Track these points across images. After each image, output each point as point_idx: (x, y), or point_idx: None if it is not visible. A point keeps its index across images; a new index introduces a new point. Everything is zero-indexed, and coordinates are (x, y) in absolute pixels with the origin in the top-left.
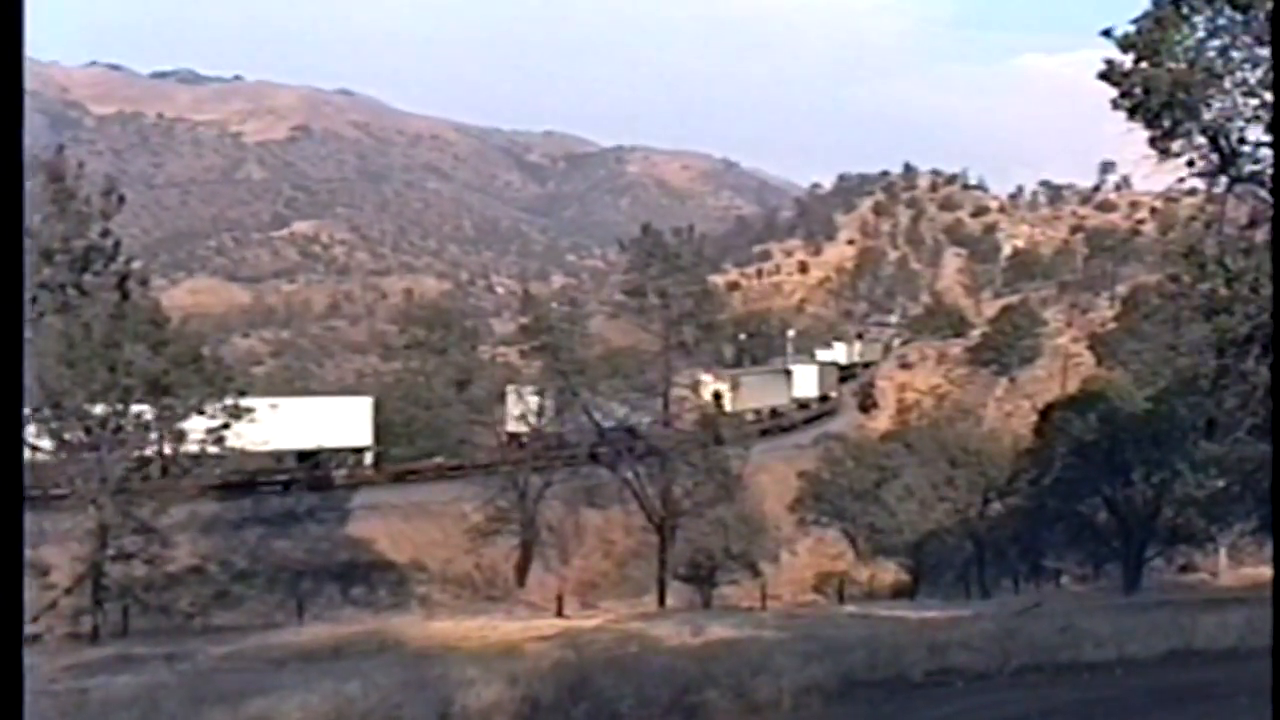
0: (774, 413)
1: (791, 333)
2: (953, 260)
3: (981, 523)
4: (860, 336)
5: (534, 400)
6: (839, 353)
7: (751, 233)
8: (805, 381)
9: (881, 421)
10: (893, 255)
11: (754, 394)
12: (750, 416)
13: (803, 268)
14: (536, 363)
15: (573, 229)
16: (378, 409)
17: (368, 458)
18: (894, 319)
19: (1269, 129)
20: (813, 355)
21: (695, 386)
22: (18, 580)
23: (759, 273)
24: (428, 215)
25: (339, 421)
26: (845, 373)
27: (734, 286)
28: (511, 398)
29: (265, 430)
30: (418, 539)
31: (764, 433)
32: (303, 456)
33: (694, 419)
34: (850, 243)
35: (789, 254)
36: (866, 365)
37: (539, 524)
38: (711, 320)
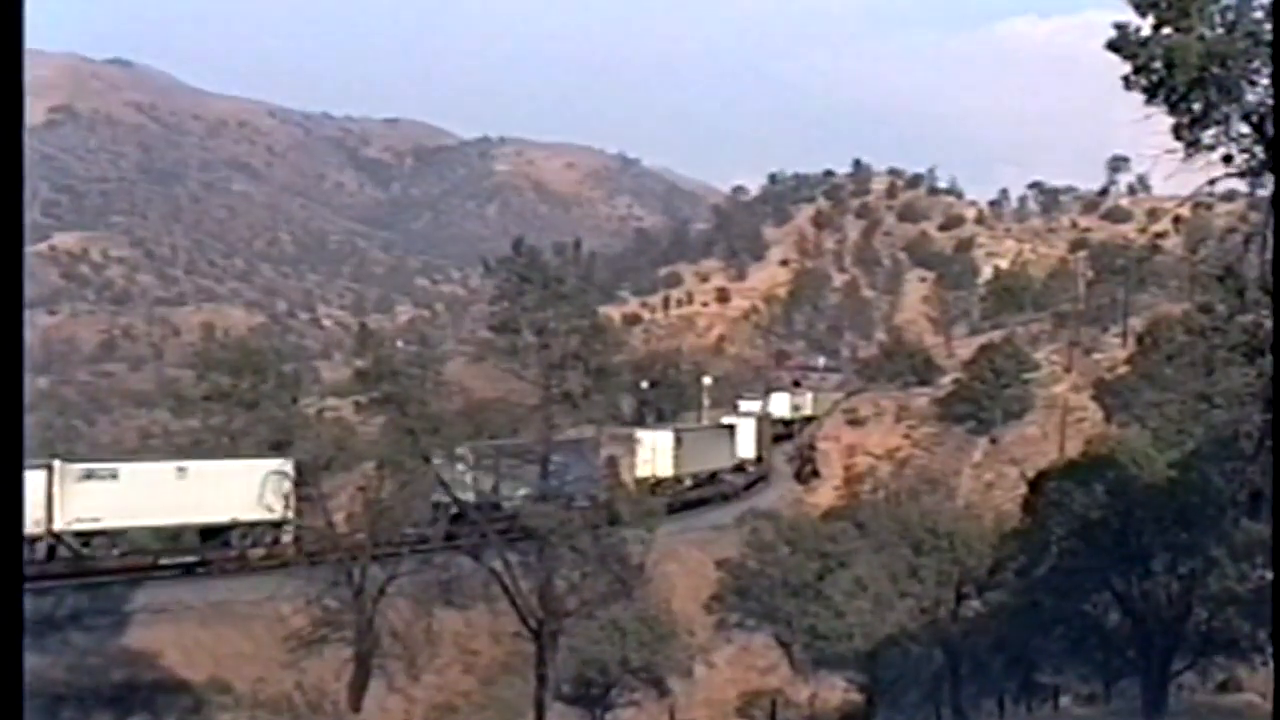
0: (713, 477)
1: (708, 380)
2: (916, 286)
3: (955, 625)
4: (797, 385)
5: (371, 468)
6: (776, 405)
7: (656, 251)
8: (747, 440)
9: (824, 494)
10: (838, 279)
11: (697, 455)
12: (689, 482)
13: (722, 296)
14: (377, 419)
15: (424, 245)
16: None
17: (287, 533)
18: (824, 361)
19: (1274, 125)
20: (735, 409)
21: (631, 444)
22: (18, 580)
23: (665, 303)
24: (233, 227)
25: (250, 490)
26: (778, 431)
27: (633, 320)
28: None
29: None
30: (219, 650)
31: (673, 509)
32: (208, 533)
33: (614, 488)
34: (784, 263)
35: (704, 278)
36: (806, 421)
37: (379, 629)
38: (604, 364)
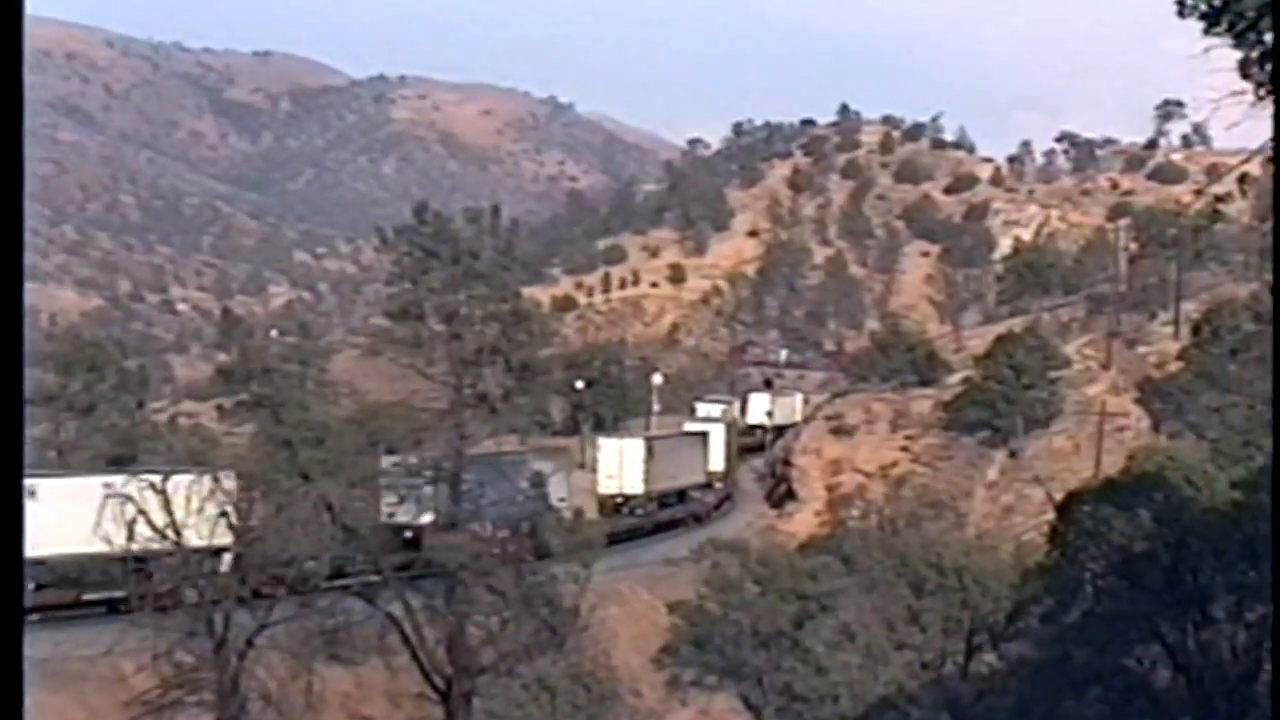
0: (682, 496)
1: (658, 379)
2: (917, 262)
3: (966, 684)
4: (769, 384)
5: (237, 488)
6: (752, 409)
7: (593, 218)
8: (717, 451)
9: (802, 520)
10: (820, 255)
11: (670, 467)
12: (655, 502)
13: (676, 275)
14: (244, 429)
15: (304, 210)
16: None
17: (225, 560)
18: (785, 355)
19: (1275, 124)
20: (692, 412)
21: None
22: (18, 581)
23: (605, 283)
24: (61, 186)
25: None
26: (746, 441)
27: (565, 305)
28: (203, 484)
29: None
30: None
31: (614, 539)
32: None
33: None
34: (752, 235)
35: (653, 253)
36: (778, 431)
37: (246, 691)
38: (529, 359)
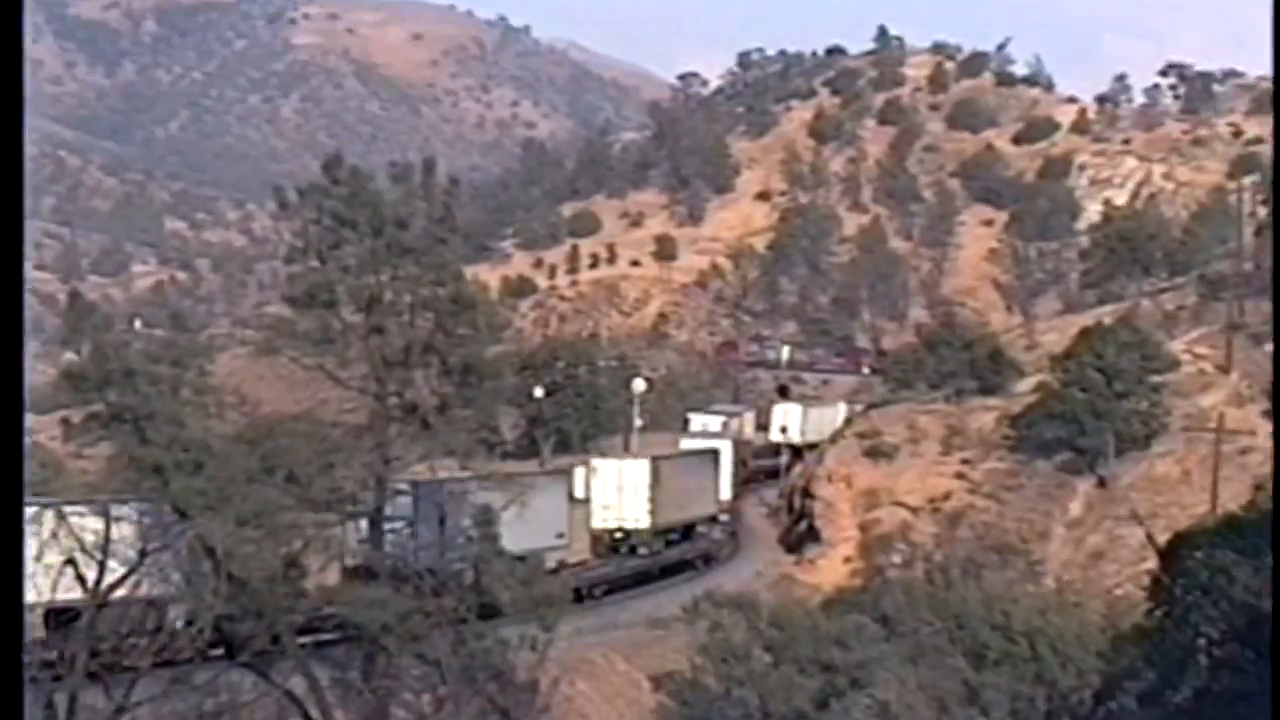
0: (688, 532)
1: (640, 385)
2: (978, 234)
3: None
4: (784, 391)
5: (99, 528)
6: (775, 423)
7: (558, 176)
8: (725, 475)
9: (828, 569)
10: (851, 223)
11: (678, 496)
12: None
13: (664, 250)
14: (98, 449)
15: (178, 164)
16: None
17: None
18: (786, 353)
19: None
20: (685, 427)
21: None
22: (18, 580)
23: (573, 260)
24: None
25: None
26: (761, 464)
27: (521, 288)
28: (44, 524)
29: None
30: None
31: (615, 586)
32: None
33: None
34: (762, 197)
35: (635, 221)
36: (794, 451)
37: None
38: (473, 360)
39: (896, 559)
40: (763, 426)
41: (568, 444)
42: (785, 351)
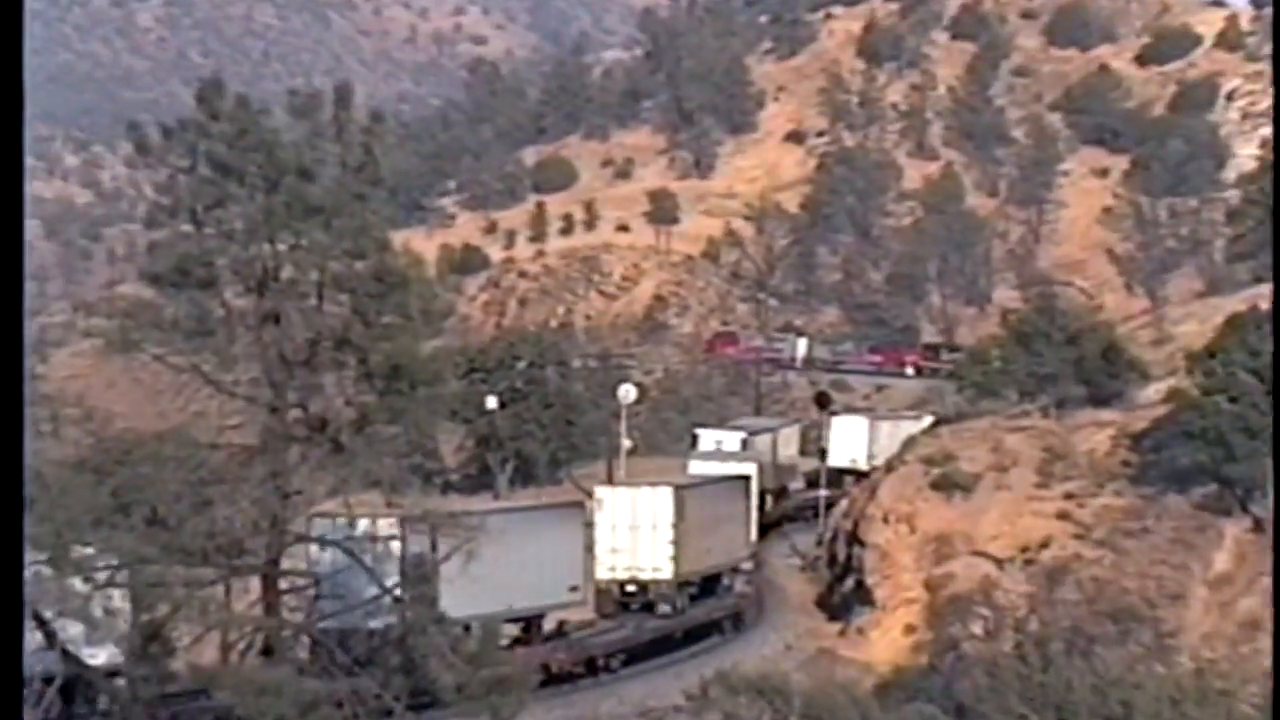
0: (710, 584)
1: (629, 392)
2: (1088, 188)
3: None
4: (823, 401)
5: None
6: (836, 443)
7: (518, 110)
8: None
9: (883, 643)
10: (915, 172)
11: (706, 536)
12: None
13: (662, 209)
14: None
15: None
16: None
17: None
18: (803, 349)
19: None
20: (693, 445)
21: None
22: (18, 580)
23: (538, 223)
24: None
25: None
26: (798, 499)
27: (469, 262)
28: None
29: None
30: None
31: (595, 666)
32: None
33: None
34: (794, 138)
35: (622, 170)
36: (835, 479)
37: None
38: (404, 358)
39: (976, 629)
40: (819, 450)
41: (531, 471)
42: (801, 345)
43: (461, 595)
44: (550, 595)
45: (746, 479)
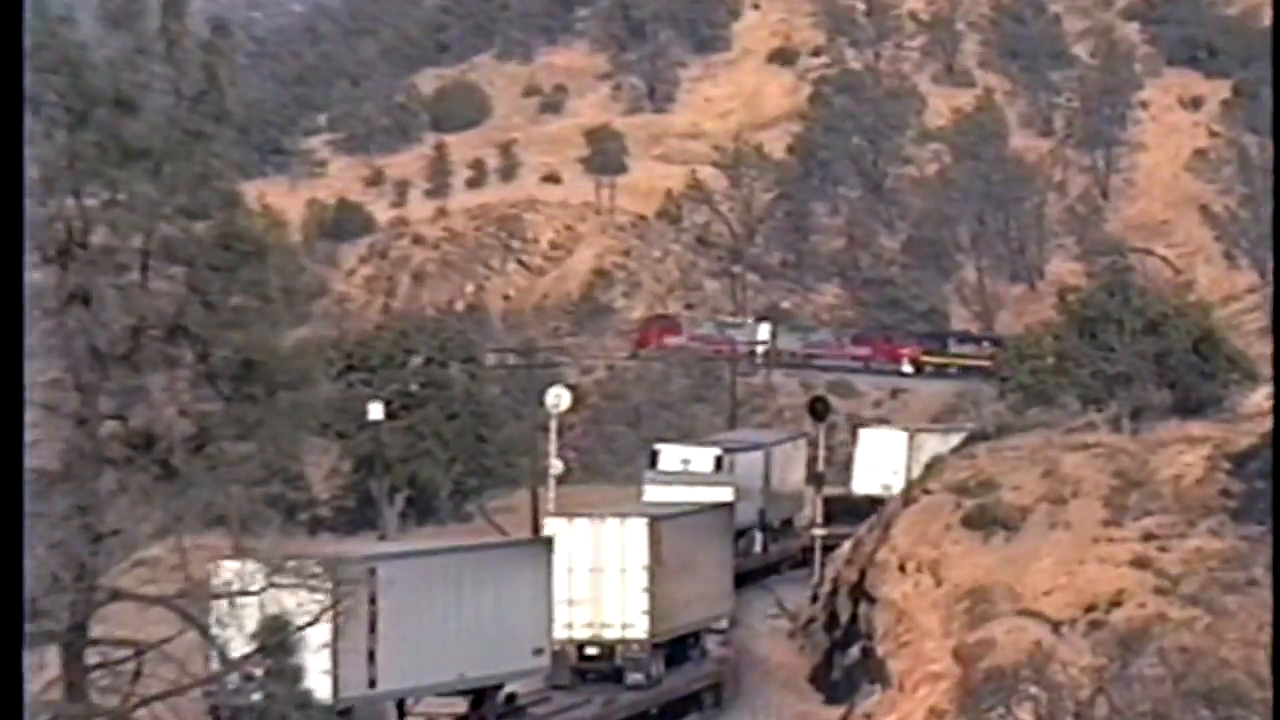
0: (677, 649)
1: (562, 398)
2: (1173, 120)
3: None
4: (819, 409)
5: None
6: (862, 464)
7: (409, 20)
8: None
9: None
10: (941, 104)
11: (689, 581)
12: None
13: (600, 154)
14: None
15: None
16: None
17: None
18: (765, 335)
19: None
20: (652, 463)
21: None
22: (18, 580)
23: (438, 174)
24: None
25: None
26: (803, 538)
27: (345, 221)
28: None
29: None
30: None
31: None
32: None
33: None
34: (779, 58)
35: (551, 102)
36: (866, 509)
37: None
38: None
39: (1025, 714)
40: (814, 476)
41: (430, 503)
42: (763, 332)
43: (396, 661)
44: (509, 661)
45: (729, 507)
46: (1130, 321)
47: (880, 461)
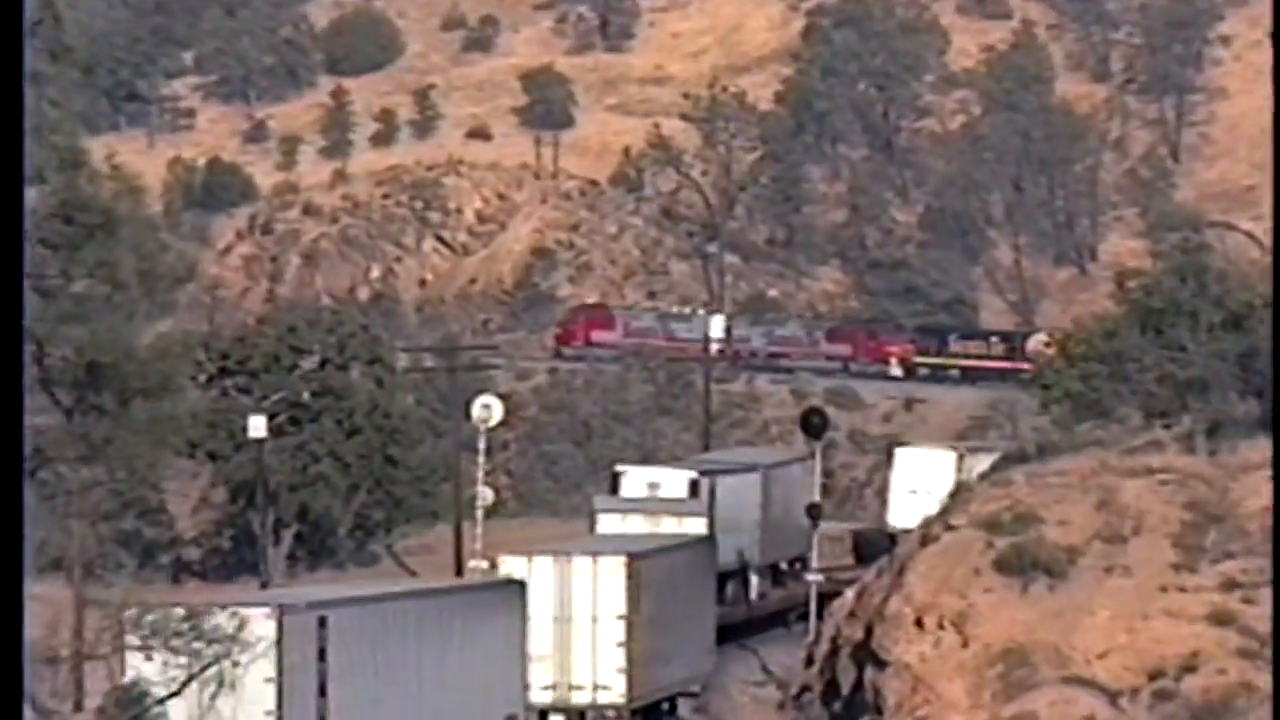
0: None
1: (492, 410)
2: (1258, 60)
3: None
4: (813, 423)
5: None
6: (901, 495)
7: None
8: None
9: None
10: (968, 38)
11: (670, 627)
12: None
13: (536, 101)
14: None
15: None
16: None
17: None
18: (712, 327)
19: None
20: (613, 487)
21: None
22: (18, 580)
23: (336, 125)
24: None
25: None
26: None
27: (218, 187)
28: None
29: None
30: None
31: None
32: None
33: None
34: None
35: (478, 36)
36: (887, 545)
37: None
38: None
39: None
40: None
41: (326, 542)
42: (715, 326)
43: None
44: None
45: (710, 541)
46: (1206, 314)
47: (922, 488)
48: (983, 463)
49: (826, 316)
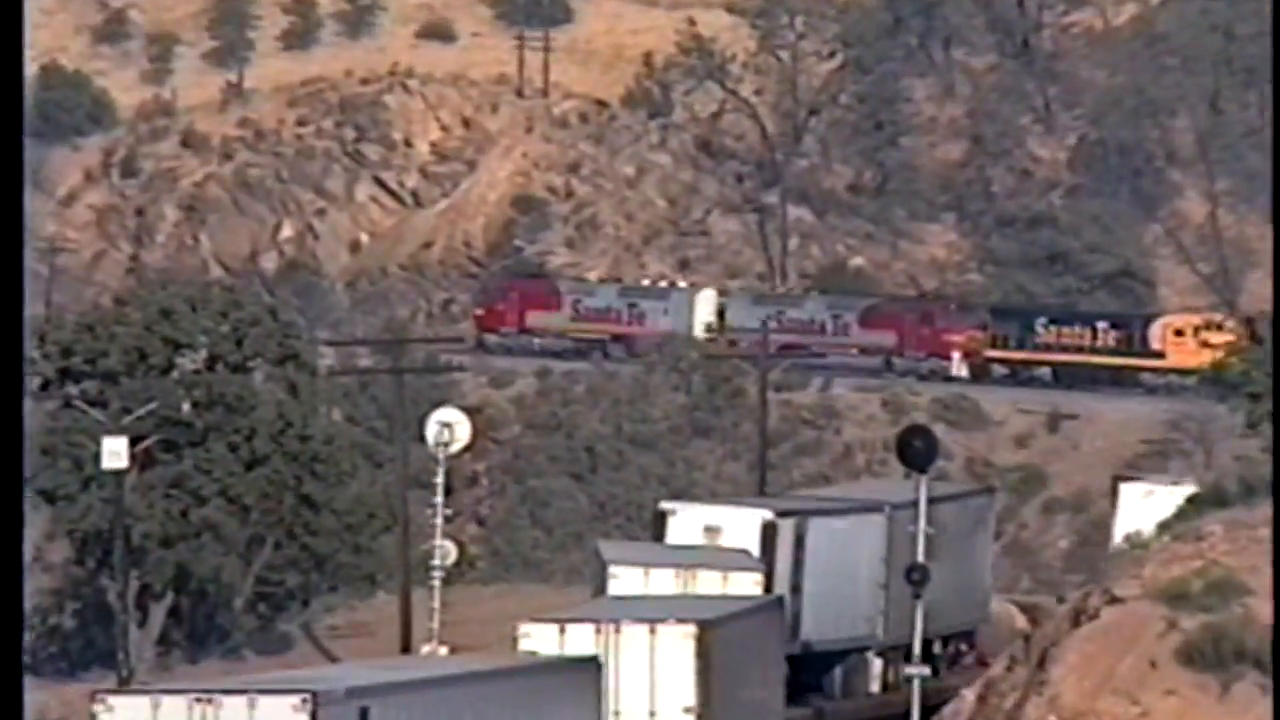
0: None
1: (456, 427)
2: None
3: None
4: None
5: None
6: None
7: None
8: None
9: None
10: None
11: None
12: None
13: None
14: None
15: None
16: None
17: None
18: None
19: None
20: (659, 530)
21: None
22: (18, 580)
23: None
24: None
25: None
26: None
27: (59, 106)
28: None
29: None
30: None
31: None
32: None
33: None
34: None
35: None
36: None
37: None
38: None
39: None
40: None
41: (214, 618)
42: (703, 306)
43: None
44: None
45: (779, 604)
46: None
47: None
48: (1166, 504)
49: (933, 295)
